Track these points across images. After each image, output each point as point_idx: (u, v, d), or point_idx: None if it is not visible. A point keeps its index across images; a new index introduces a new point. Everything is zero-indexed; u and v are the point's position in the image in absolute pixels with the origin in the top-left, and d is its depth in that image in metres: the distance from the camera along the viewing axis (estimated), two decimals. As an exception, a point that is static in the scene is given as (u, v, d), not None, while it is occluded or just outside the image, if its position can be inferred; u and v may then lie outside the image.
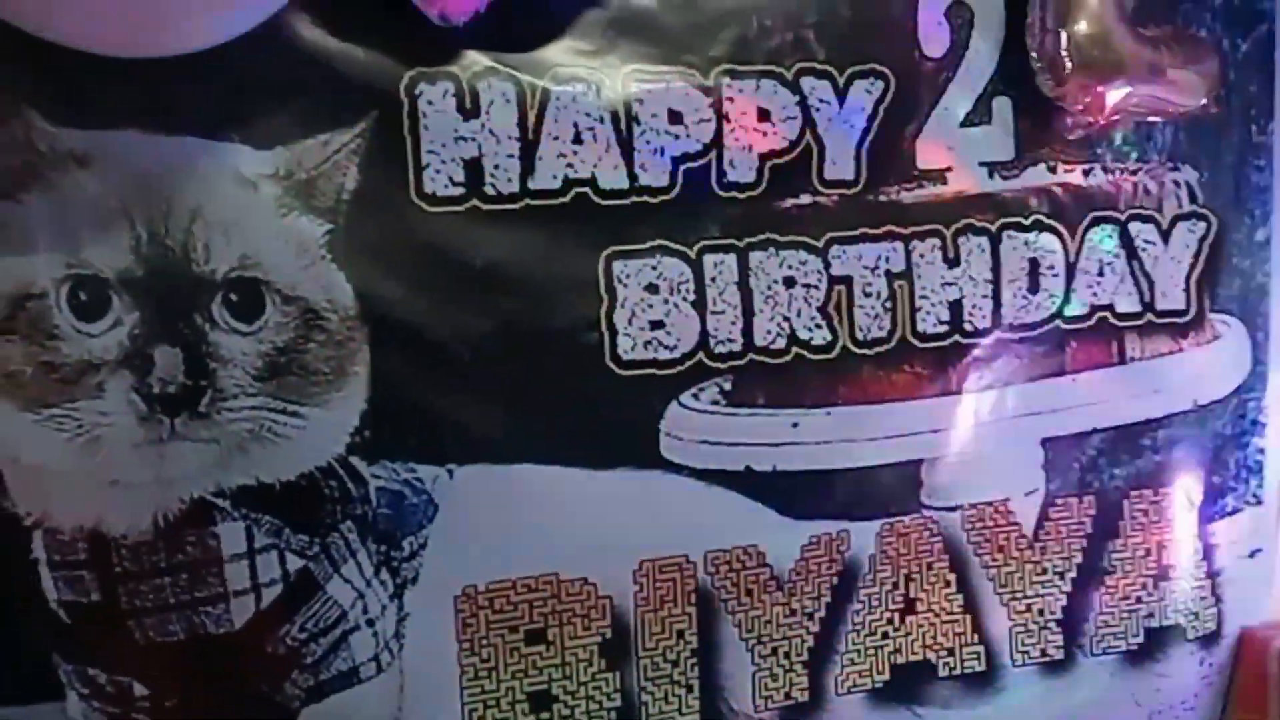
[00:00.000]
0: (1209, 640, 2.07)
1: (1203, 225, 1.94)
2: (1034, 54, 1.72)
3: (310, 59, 1.46)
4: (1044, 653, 1.95)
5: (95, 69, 1.32)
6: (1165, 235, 1.92)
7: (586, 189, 1.61)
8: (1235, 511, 2.07)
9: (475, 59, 1.53)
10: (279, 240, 1.47)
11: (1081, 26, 1.68)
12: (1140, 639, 2.01)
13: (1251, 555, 2.10)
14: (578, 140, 1.58)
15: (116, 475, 1.44)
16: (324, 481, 1.52)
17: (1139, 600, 2.00)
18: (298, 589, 1.53)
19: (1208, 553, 2.05)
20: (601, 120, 1.59)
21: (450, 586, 1.62)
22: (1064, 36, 1.68)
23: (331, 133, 1.49)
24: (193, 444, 1.45)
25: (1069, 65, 1.69)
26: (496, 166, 1.56)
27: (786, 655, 1.80)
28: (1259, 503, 2.09)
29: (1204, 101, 1.83)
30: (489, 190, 1.56)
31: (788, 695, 1.81)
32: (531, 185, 1.58)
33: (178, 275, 1.43)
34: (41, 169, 1.38)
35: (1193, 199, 1.93)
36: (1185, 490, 2.00)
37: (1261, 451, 2.07)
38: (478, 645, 1.63)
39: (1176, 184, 1.93)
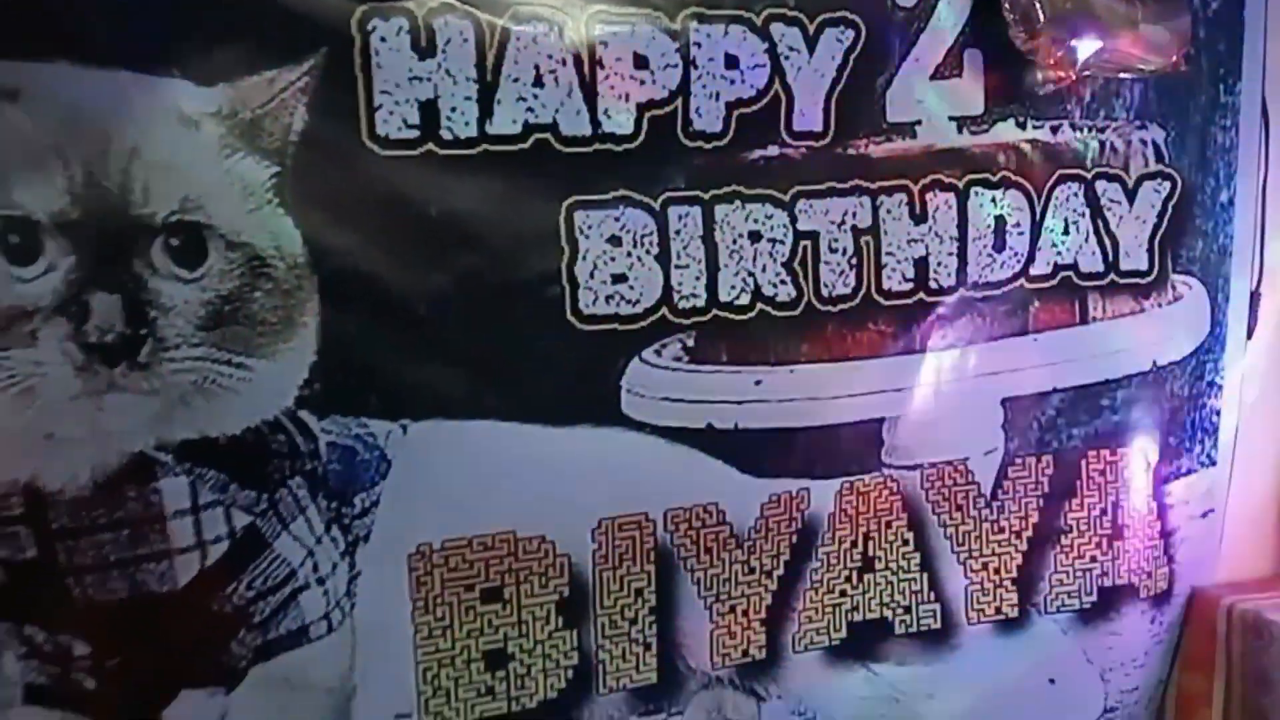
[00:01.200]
0: (1160, 599, 2.10)
1: (1168, 185, 1.93)
2: (1006, 5, 1.70)
3: None
4: (999, 611, 1.97)
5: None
6: (1131, 195, 1.91)
7: (547, 135, 1.56)
8: (1190, 472, 2.09)
9: None
10: (223, 183, 1.43)
11: None
12: (1094, 598, 2.03)
13: (1204, 516, 2.13)
14: (539, 84, 1.53)
15: (52, 428, 1.40)
16: (271, 436, 1.50)
17: (1093, 559, 2.02)
18: (244, 546, 1.50)
19: (1162, 513, 2.08)
20: (564, 63, 1.54)
21: (404, 544, 1.60)
22: None
23: (278, 69, 1.43)
24: (132, 396, 1.41)
25: (1042, 18, 1.67)
26: (453, 109, 1.51)
27: (745, 613, 1.80)
28: (1213, 464, 2.11)
29: (1175, 59, 1.81)
30: (445, 134, 1.51)
31: (745, 653, 1.82)
32: (490, 130, 1.53)
33: (115, 218, 1.38)
34: None
35: (1159, 158, 1.93)
36: (1142, 451, 2.02)
37: (1217, 413, 2.09)
38: (432, 604, 1.62)
39: (1143, 142, 1.92)
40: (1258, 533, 2.21)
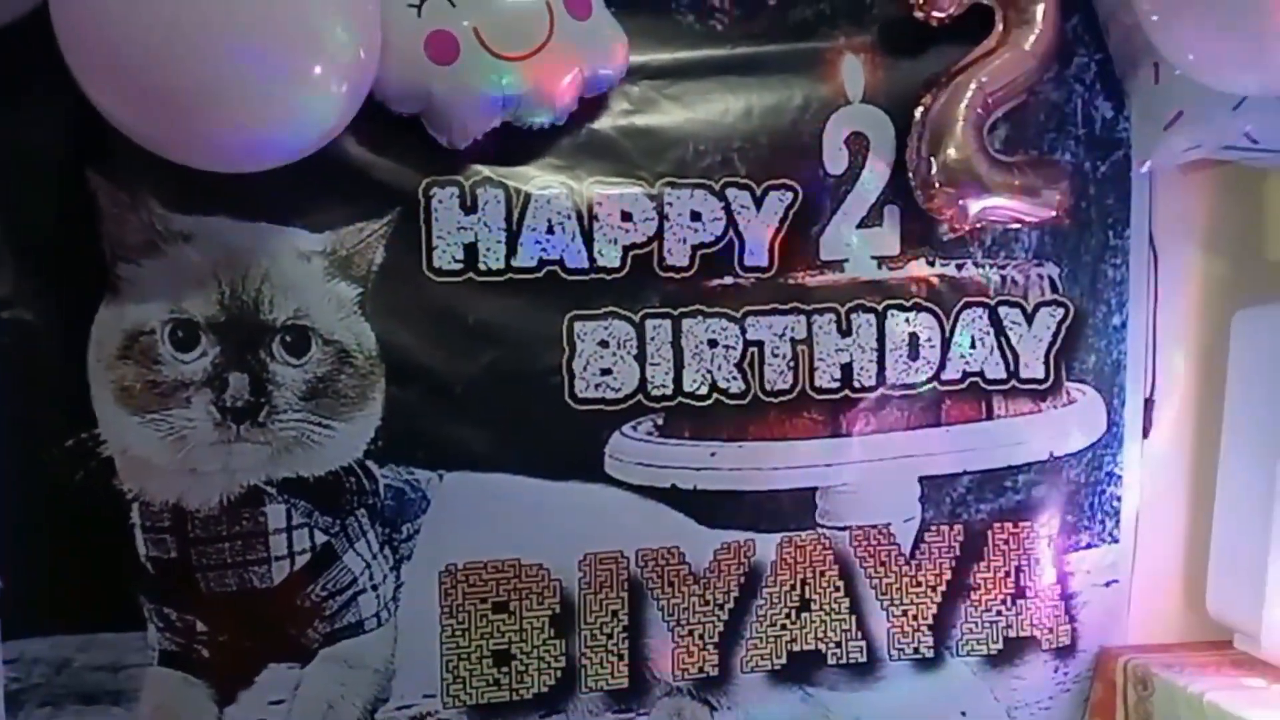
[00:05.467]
0: (1064, 652, 2.32)
1: (1061, 310, 2.20)
2: (911, 174, 2.05)
3: (353, 168, 1.82)
4: (917, 651, 2.21)
5: (200, 172, 1.64)
6: (1029, 318, 2.19)
7: (556, 267, 1.94)
8: (1090, 546, 2.31)
9: (476, 170, 1.89)
10: (324, 299, 1.81)
11: (950, 154, 1.99)
12: (1000, 646, 2.26)
13: (1107, 585, 2.35)
14: (550, 231, 1.92)
15: (195, 465, 1.79)
16: (345, 478, 1.86)
17: (999, 613, 2.25)
18: (322, 558, 1.86)
19: (1063, 579, 2.29)
20: (569, 217, 1.93)
21: (436, 563, 1.93)
22: (934, 162, 2.01)
23: (366, 221, 1.84)
24: (252, 445, 1.79)
25: (937, 184, 2.01)
26: (488, 249, 1.90)
27: (701, 637, 2.08)
28: (1115, 541, 2.34)
29: (1055, 213, 2.12)
30: (482, 266, 1.90)
31: (701, 669, 2.09)
32: (514, 263, 1.91)
33: (249, 321, 1.79)
34: (157, 242, 1.75)
35: (1054, 289, 2.20)
36: (1042, 525, 2.25)
37: (1118, 498, 2.32)
38: (455, 611, 1.96)
39: (1040, 276, 2.20)
40: (1165, 603, 2.42)
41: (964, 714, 2.29)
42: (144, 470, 1.79)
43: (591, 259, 1.96)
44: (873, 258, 2.12)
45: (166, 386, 1.76)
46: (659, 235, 1.98)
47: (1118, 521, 2.35)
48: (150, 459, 1.78)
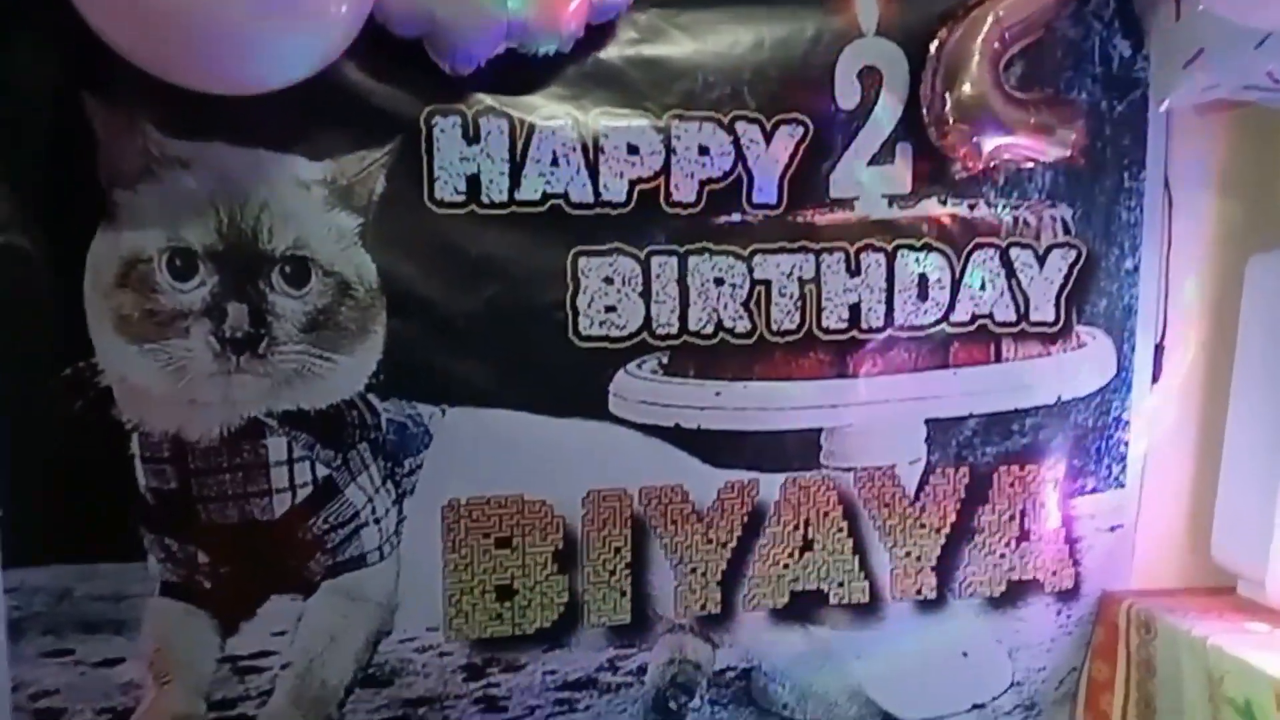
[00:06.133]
0: (1067, 596, 2.35)
1: (1074, 253, 2.19)
2: (925, 110, 2.02)
3: (353, 95, 1.79)
4: (919, 592, 2.23)
5: (197, 97, 1.61)
6: (1041, 260, 2.18)
7: (560, 201, 1.91)
8: (1096, 491, 2.32)
9: (479, 99, 1.86)
10: (324, 229, 1.79)
11: (965, 90, 1.97)
12: (1003, 588, 2.29)
13: (1112, 529, 2.37)
14: (555, 164, 1.89)
15: (194, 396, 1.77)
16: (347, 411, 1.85)
17: (1003, 556, 2.27)
18: (323, 491, 1.86)
19: (1067, 523, 2.31)
20: (575, 149, 1.90)
21: (439, 499, 1.94)
22: (948, 98, 1.98)
23: (367, 150, 1.81)
24: (252, 377, 1.78)
25: (951, 121, 1.99)
26: (491, 181, 1.87)
27: (704, 575, 2.09)
28: (1121, 486, 2.35)
29: (1069, 153, 2.10)
30: (484, 199, 1.88)
31: (703, 607, 2.11)
32: (518, 196, 1.89)
33: (248, 251, 1.76)
34: (153, 168, 1.73)
35: (1066, 231, 2.18)
36: (1048, 469, 2.26)
37: (1125, 443, 2.33)
38: (458, 546, 1.97)
39: (1053, 218, 2.18)
40: (1169, 549, 2.44)
41: (965, 654, 2.33)
42: (143, 400, 1.78)
43: (597, 193, 1.93)
44: (884, 196, 2.09)
45: (164, 316, 1.75)
46: (666, 170, 1.96)
47: (1124, 467, 2.36)
48: (149, 389, 1.77)
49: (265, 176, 1.77)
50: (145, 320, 1.75)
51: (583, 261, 1.96)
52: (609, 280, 1.97)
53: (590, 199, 1.93)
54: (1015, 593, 2.32)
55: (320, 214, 1.80)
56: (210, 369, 1.78)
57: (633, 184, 1.95)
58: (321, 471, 1.87)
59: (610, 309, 1.97)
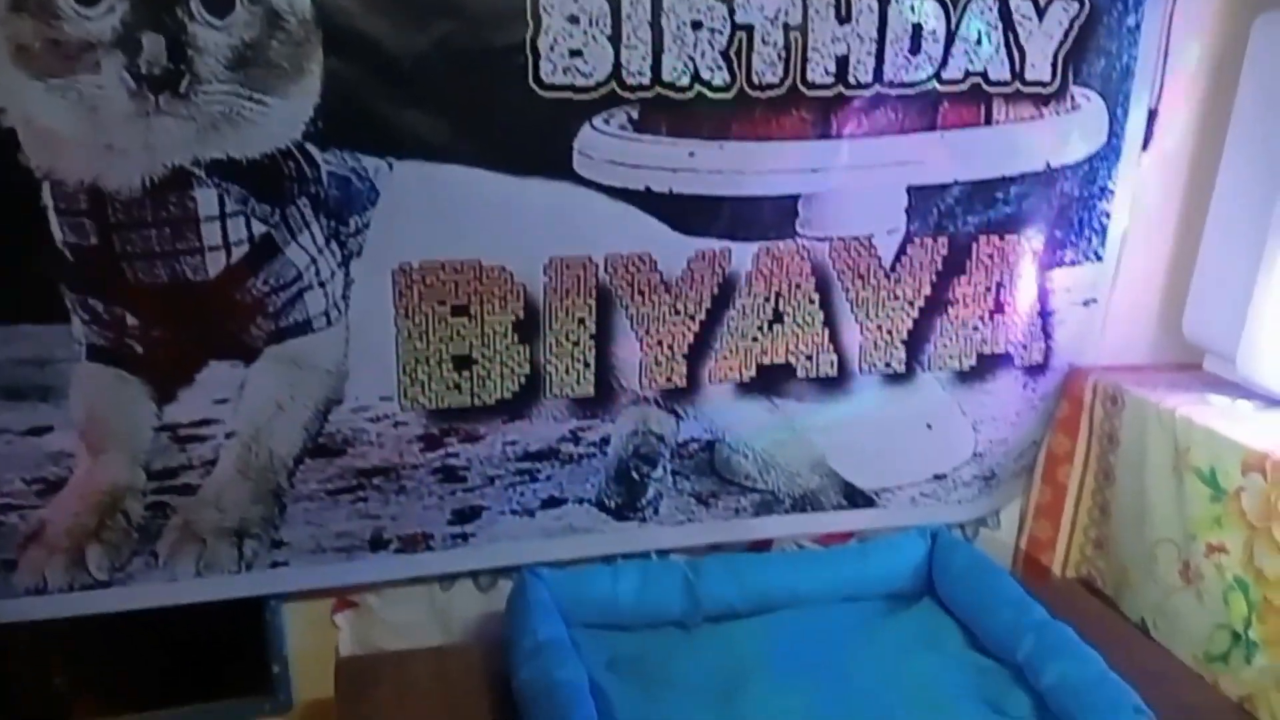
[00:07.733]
0: (1035, 370, 2.35)
1: (1076, 5, 2.04)
2: None
3: None
4: (888, 365, 2.23)
5: None
6: (1041, 13, 2.03)
7: None
8: (1074, 263, 2.28)
9: None
10: None
11: None
12: (973, 361, 2.28)
13: (1085, 304, 2.34)
14: None
15: (111, 140, 1.62)
16: (283, 161, 1.72)
17: (975, 329, 2.25)
18: (261, 250, 1.75)
19: (1042, 296, 2.28)
20: None
21: (389, 261, 1.83)
22: None
23: None
24: (174, 119, 1.63)
25: None
26: None
27: (670, 347, 2.05)
28: (1099, 259, 2.31)
29: None
30: None
31: (669, 380, 2.08)
32: None
33: None
34: None
35: None
36: (1029, 240, 2.20)
37: (1107, 215, 2.27)
38: (411, 312, 1.88)
39: None
40: (1140, 325, 2.44)
41: (929, 426, 2.33)
42: (53, 144, 1.61)
43: (561, -83, 1.73)
44: (879, -67, 1.91)
45: (70, 47, 1.56)
46: (639, -110, 1.74)
47: (1104, 239, 2.31)
48: (59, 131, 1.60)
49: (177, -120, 1.55)
50: (49, 51, 1.55)
51: (545, -3, 1.77)
52: (574, 19, 1.79)
53: (554, -77, 1.73)
54: (985, 366, 2.31)
55: (243, -71, 1.59)
56: (127, 109, 1.61)
57: (601, -91, 1.74)
58: (258, 229, 1.74)
59: (575, 53, 1.80)
